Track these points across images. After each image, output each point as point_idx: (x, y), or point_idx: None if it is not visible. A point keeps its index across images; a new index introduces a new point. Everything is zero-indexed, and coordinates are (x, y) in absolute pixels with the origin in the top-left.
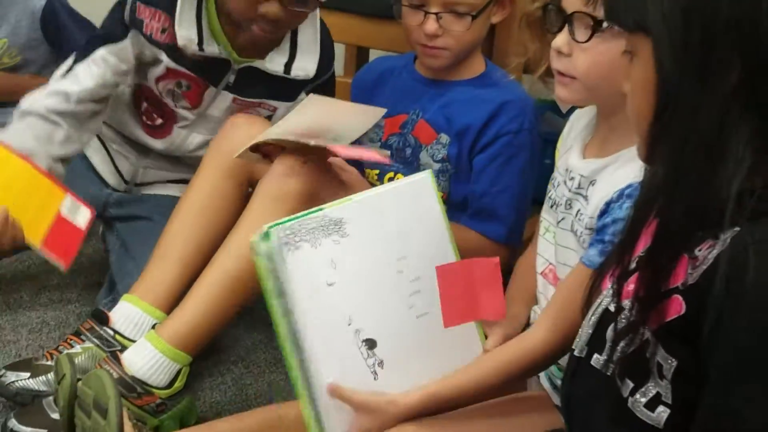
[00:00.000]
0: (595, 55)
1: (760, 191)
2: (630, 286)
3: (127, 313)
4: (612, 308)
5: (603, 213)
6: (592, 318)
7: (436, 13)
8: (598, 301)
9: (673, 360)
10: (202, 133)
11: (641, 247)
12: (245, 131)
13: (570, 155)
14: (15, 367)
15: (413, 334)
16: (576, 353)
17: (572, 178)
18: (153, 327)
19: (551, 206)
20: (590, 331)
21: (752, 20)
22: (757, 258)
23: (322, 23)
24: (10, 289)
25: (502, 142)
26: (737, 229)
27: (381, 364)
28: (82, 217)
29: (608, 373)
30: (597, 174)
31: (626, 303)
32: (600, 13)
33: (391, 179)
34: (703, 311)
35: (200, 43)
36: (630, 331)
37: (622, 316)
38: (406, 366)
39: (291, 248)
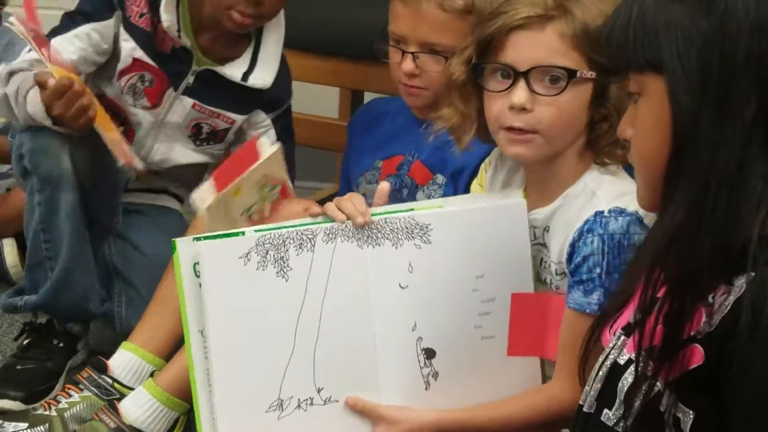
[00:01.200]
0: (561, 105)
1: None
2: (637, 336)
3: (126, 361)
4: (621, 361)
5: (571, 255)
6: (600, 372)
7: (412, 53)
8: (605, 353)
9: (691, 412)
10: (164, 141)
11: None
12: None
13: None
14: (13, 417)
15: (474, 353)
16: (585, 409)
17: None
18: (152, 374)
19: None
20: (599, 386)
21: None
22: None
23: (284, 58)
24: None
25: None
26: (752, 274)
27: (435, 375)
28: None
29: (620, 431)
30: (549, 220)
31: (635, 355)
32: (568, 62)
33: None
34: (724, 360)
35: (178, 30)
36: (647, 381)
37: (633, 369)
38: (460, 384)
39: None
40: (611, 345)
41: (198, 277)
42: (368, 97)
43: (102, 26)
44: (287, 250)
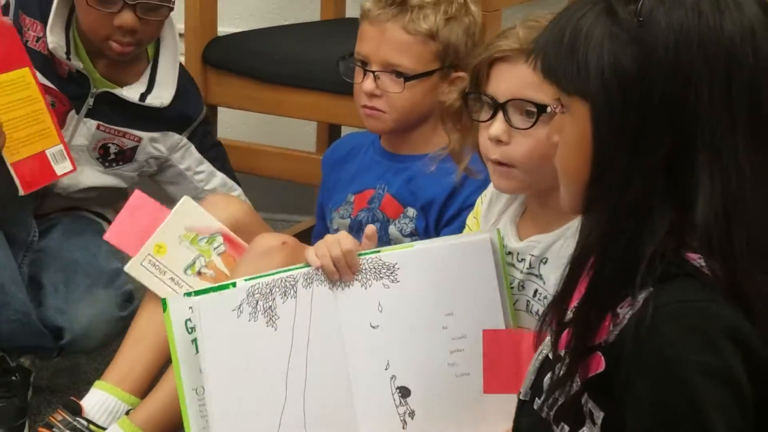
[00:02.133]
0: (536, 139)
1: (670, 255)
2: (553, 338)
3: (101, 402)
4: (551, 356)
5: None
6: (535, 364)
7: (374, 72)
8: (540, 348)
9: (600, 411)
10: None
11: (576, 298)
12: (223, 211)
13: (505, 236)
14: None
15: (450, 391)
16: (521, 397)
17: (522, 260)
18: (127, 413)
19: None
20: (533, 377)
21: (682, 98)
22: (659, 319)
23: (189, 75)
24: None
25: (467, 215)
26: (651, 290)
27: (412, 414)
28: (62, 166)
29: (544, 417)
30: (546, 251)
31: (564, 352)
32: (541, 96)
33: None
34: (618, 370)
35: (68, 53)
36: (564, 380)
37: (559, 365)
38: (437, 423)
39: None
40: (545, 341)
41: (190, 333)
42: (345, 130)
43: None
44: (274, 298)
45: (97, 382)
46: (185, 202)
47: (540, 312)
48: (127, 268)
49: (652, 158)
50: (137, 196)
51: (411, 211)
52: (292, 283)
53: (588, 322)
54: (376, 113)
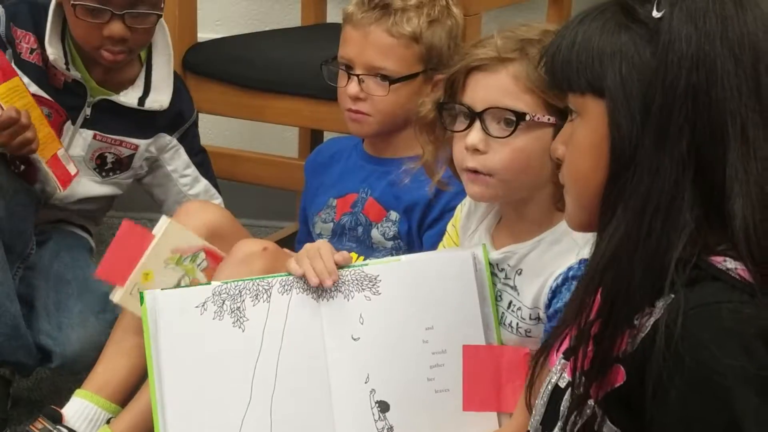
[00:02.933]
0: (515, 148)
1: (696, 259)
2: (573, 359)
3: (82, 410)
4: (562, 384)
5: (551, 300)
6: (544, 396)
7: (358, 75)
8: (548, 378)
9: (618, 430)
10: None
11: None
12: (198, 218)
13: (480, 243)
14: None
15: (429, 407)
16: (531, 431)
17: (502, 270)
18: (108, 422)
19: None
20: (543, 410)
21: (708, 89)
22: (691, 323)
23: (179, 76)
24: None
25: (450, 218)
26: (672, 296)
27: (390, 430)
28: (72, 167)
29: None
30: (521, 262)
31: (576, 375)
32: (520, 105)
33: None
34: (643, 379)
35: (66, 63)
36: (578, 405)
37: (571, 390)
38: None
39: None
40: (554, 369)
41: None
42: (327, 135)
43: None
44: (243, 300)
45: (77, 391)
46: (170, 226)
47: (514, 324)
48: (115, 299)
49: (677, 152)
50: (125, 227)
51: (394, 215)
52: (266, 288)
53: (611, 333)
54: (360, 117)
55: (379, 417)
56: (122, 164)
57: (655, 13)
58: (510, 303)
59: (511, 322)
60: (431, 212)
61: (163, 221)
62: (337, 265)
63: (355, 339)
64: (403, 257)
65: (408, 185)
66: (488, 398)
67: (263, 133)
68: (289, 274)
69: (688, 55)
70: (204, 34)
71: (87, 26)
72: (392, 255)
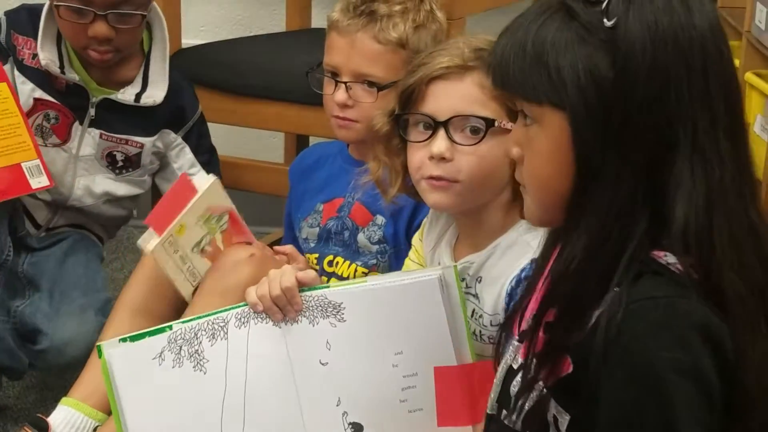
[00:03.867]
0: (481, 155)
1: (643, 255)
2: (527, 344)
3: (68, 418)
4: (515, 366)
5: (508, 303)
6: (500, 375)
7: (345, 83)
8: (504, 359)
9: (566, 414)
10: (83, 175)
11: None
12: None
13: (442, 257)
14: None
15: (403, 426)
16: (488, 411)
17: (462, 279)
18: (95, 430)
19: None
20: (498, 389)
21: (664, 98)
22: (630, 316)
23: (181, 72)
24: None
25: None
26: (616, 289)
27: None
28: (37, 180)
29: (513, 427)
30: (480, 270)
31: (528, 359)
32: (487, 112)
33: (330, 262)
34: (587, 369)
35: (61, 67)
36: (529, 387)
37: (524, 372)
38: None
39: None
40: (509, 350)
41: None
42: (313, 140)
43: None
44: (200, 342)
45: (63, 399)
46: (212, 185)
47: (477, 332)
48: (148, 247)
49: (638, 161)
50: (181, 179)
51: (380, 219)
52: (222, 324)
53: (564, 329)
54: (348, 123)
55: None
56: (132, 162)
57: (607, 23)
58: (473, 311)
59: (474, 330)
60: (418, 216)
61: (208, 178)
62: (301, 284)
63: (323, 363)
64: (369, 279)
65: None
66: (462, 413)
67: (249, 138)
68: (246, 304)
69: (644, 66)
70: (188, 40)
71: (72, 26)
72: (378, 259)
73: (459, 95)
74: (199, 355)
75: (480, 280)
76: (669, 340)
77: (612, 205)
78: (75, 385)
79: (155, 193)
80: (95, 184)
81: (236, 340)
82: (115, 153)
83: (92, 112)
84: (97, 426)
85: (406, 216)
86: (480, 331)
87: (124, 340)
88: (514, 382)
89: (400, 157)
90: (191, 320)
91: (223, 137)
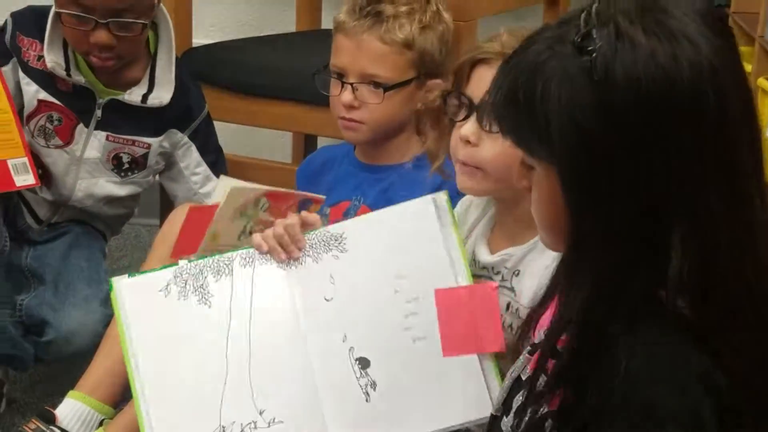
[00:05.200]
0: (507, 146)
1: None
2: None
3: (75, 411)
4: (524, 377)
5: None
6: (507, 383)
7: (352, 84)
8: (513, 366)
9: None
10: (86, 178)
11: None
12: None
13: (477, 250)
14: None
15: (409, 358)
16: (492, 411)
17: (498, 273)
18: (101, 423)
19: None
20: (504, 394)
21: (650, 155)
22: (630, 363)
23: (187, 72)
24: None
25: None
26: (618, 327)
27: (374, 385)
28: (22, 178)
29: None
30: (519, 264)
31: (533, 373)
32: None
33: None
34: (587, 405)
35: (67, 69)
36: (534, 403)
37: (528, 387)
38: (400, 392)
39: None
40: (519, 360)
41: None
42: (321, 141)
43: None
44: (205, 278)
45: (70, 392)
46: (232, 191)
47: (512, 326)
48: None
49: (627, 217)
50: (191, 212)
51: None
52: (227, 263)
53: (572, 363)
54: (354, 125)
55: (361, 374)
56: (138, 163)
57: (591, 75)
58: (508, 305)
59: (511, 323)
60: None
61: (225, 184)
62: (305, 225)
63: (327, 300)
64: (364, 215)
65: (401, 191)
66: (466, 340)
67: (257, 138)
68: (251, 247)
69: (628, 122)
70: (198, 40)
71: (74, 33)
72: None
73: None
74: (203, 290)
75: (517, 274)
76: (669, 388)
77: (603, 265)
78: (82, 378)
79: (165, 192)
80: (97, 187)
81: (241, 278)
82: (121, 155)
83: (99, 113)
84: (104, 419)
85: None
86: (514, 324)
87: (132, 275)
88: (519, 395)
89: (448, 134)
90: (197, 259)
91: (231, 137)
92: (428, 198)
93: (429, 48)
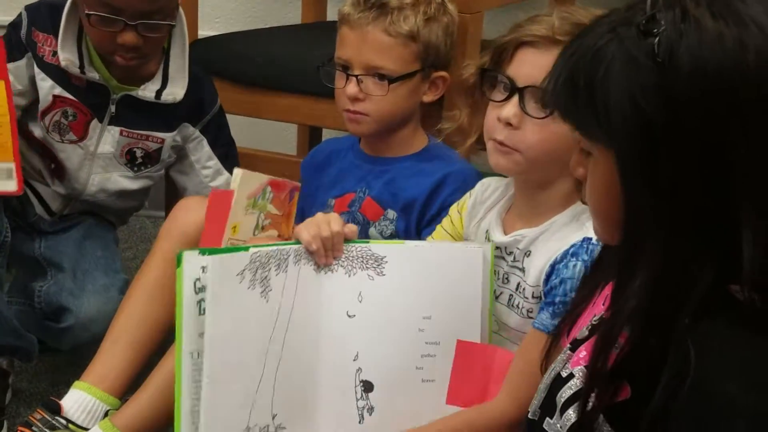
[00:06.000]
0: (548, 131)
1: (711, 294)
2: (582, 353)
3: (80, 401)
4: (564, 374)
5: (549, 276)
6: (546, 381)
7: (357, 76)
8: (552, 365)
9: None
10: (99, 173)
11: (597, 309)
12: (196, 214)
13: (491, 230)
14: None
15: (412, 395)
16: (530, 416)
17: (510, 253)
18: (106, 413)
19: None
20: (543, 395)
21: (716, 144)
22: (701, 357)
23: (199, 66)
24: None
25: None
26: (686, 322)
27: (371, 410)
28: (4, 183)
29: None
30: (531, 244)
31: (576, 370)
32: None
33: None
34: (648, 400)
35: (81, 67)
36: (579, 400)
37: (572, 384)
38: (394, 424)
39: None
40: (559, 358)
41: (197, 294)
42: (326, 133)
43: (14, 66)
44: (270, 269)
45: (76, 383)
46: (243, 176)
47: (521, 306)
48: None
49: (689, 209)
50: (211, 196)
51: (391, 213)
52: (285, 257)
53: (633, 357)
54: (359, 117)
55: (362, 396)
56: (152, 158)
57: (657, 58)
58: (518, 285)
59: (518, 303)
60: (429, 209)
61: (237, 173)
62: (345, 238)
63: (350, 316)
64: (408, 241)
65: (406, 183)
66: (472, 396)
67: (262, 130)
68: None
69: (693, 110)
70: (204, 32)
71: (101, 34)
72: None
73: (541, 66)
74: (266, 282)
75: (528, 254)
76: (745, 383)
77: (665, 257)
78: (87, 369)
79: (171, 184)
80: (110, 182)
81: (291, 276)
82: (135, 150)
83: (112, 109)
84: (109, 410)
85: (417, 210)
86: (521, 304)
87: (203, 252)
88: (562, 391)
89: (480, 111)
90: (264, 246)
91: (235, 128)
92: (478, 248)
93: (434, 40)
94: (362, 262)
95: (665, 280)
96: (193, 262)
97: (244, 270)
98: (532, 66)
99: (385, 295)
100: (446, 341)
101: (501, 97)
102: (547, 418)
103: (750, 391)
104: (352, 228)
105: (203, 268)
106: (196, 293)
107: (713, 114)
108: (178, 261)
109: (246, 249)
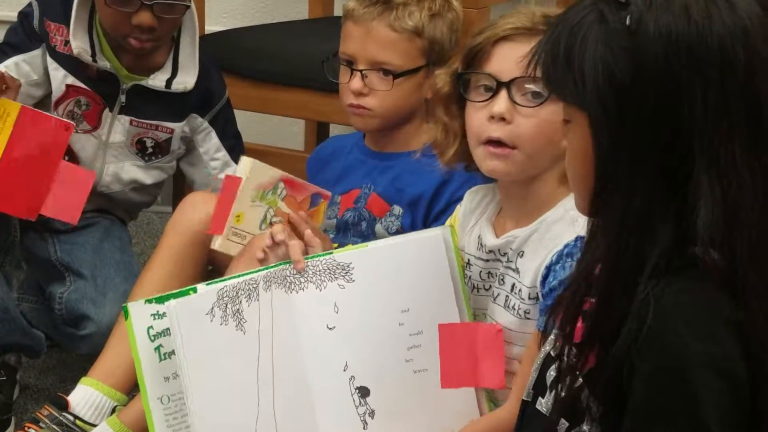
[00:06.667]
0: (540, 119)
1: (671, 253)
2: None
3: (87, 397)
4: (553, 353)
5: (545, 277)
6: (537, 362)
7: (361, 71)
8: (543, 347)
9: (599, 403)
10: (113, 162)
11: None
12: (202, 210)
13: (483, 235)
14: None
15: (408, 388)
16: (524, 397)
17: (504, 254)
18: (113, 409)
19: (470, 291)
20: (535, 376)
21: (676, 107)
22: (662, 310)
23: (209, 55)
24: None
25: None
26: (647, 282)
27: (372, 414)
28: None
29: (548, 415)
30: (523, 245)
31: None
32: None
33: None
34: (617, 360)
35: (93, 55)
36: (567, 374)
37: (561, 360)
38: (398, 421)
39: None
40: (549, 338)
41: (152, 341)
42: (333, 128)
43: (30, 57)
44: (240, 301)
45: (83, 379)
46: (253, 166)
47: (517, 307)
48: (216, 246)
49: (651, 169)
50: (224, 181)
51: (397, 209)
52: (254, 285)
53: (601, 319)
54: (363, 111)
55: (360, 402)
56: (162, 148)
57: (626, 27)
58: (513, 286)
59: (514, 304)
60: (437, 204)
61: (246, 162)
62: (308, 246)
63: (330, 328)
64: (371, 243)
65: (412, 178)
66: (465, 374)
67: (269, 126)
68: (269, 267)
69: (657, 73)
70: (211, 27)
71: (116, 14)
72: None
73: (521, 57)
74: (240, 315)
75: (522, 255)
76: (701, 333)
77: (626, 216)
78: (95, 365)
79: (177, 179)
80: (124, 171)
81: (264, 302)
82: (145, 139)
83: (123, 98)
84: (116, 406)
85: (425, 205)
86: (517, 305)
87: (149, 301)
88: (551, 370)
89: (458, 120)
90: (231, 278)
91: (243, 124)
92: (437, 233)
93: (439, 36)
94: (330, 273)
95: (628, 239)
96: (140, 312)
97: (212, 308)
98: (513, 59)
99: (360, 300)
100: (428, 329)
101: (483, 97)
102: (540, 398)
103: (703, 341)
104: (315, 241)
105: (154, 315)
106: (152, 340)
107: (676, 77)
108: (126, 314)
109: (193, 290)
